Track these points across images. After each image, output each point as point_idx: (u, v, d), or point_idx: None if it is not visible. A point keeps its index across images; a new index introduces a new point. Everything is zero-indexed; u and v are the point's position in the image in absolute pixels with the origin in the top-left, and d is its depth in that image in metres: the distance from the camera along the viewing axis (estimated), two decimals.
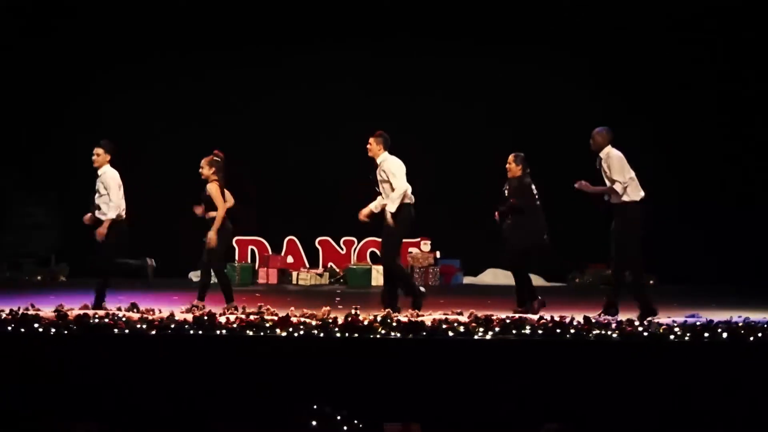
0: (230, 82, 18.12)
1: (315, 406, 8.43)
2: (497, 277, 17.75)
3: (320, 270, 17.99)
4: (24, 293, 12.37)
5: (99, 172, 11.90)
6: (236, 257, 18.07)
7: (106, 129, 17.16)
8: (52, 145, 17.58)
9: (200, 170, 11.86)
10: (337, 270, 17.92)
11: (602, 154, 11.32)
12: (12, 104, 17.63)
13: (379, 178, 11.65)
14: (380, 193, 11.72)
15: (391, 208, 11.42)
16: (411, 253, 17.94)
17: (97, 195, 11.86)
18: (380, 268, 17.65)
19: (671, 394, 8.84)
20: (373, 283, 17.48)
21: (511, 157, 12.17)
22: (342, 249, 18.45)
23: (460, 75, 17.96)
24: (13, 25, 17.52)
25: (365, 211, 11.90)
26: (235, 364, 9.07)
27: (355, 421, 8.37)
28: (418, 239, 17.87)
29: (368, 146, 11.74)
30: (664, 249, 17.07)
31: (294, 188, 17.91)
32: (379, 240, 18.05)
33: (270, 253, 18.14)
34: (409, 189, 11.63)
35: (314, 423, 8.36)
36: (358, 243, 18.40)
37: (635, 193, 11.21)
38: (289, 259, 18.05)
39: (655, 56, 17.66)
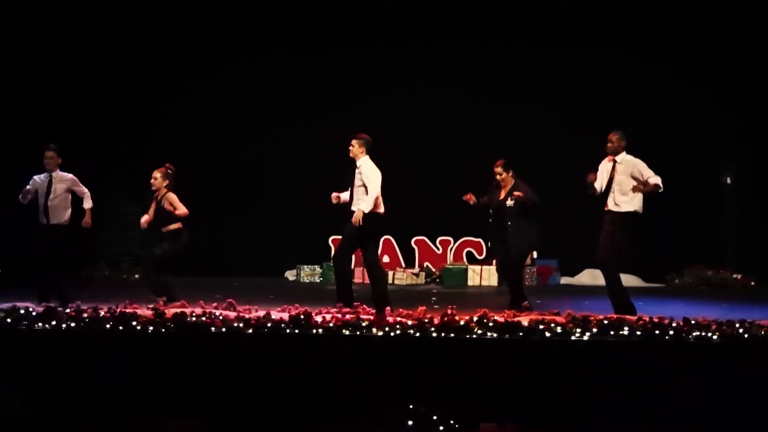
0: (336, 84, 18.38)
1: (411, 406, 8.43)
2: (595, 277, 17.56)
3: (416, 270, 17.99)
4: (122, 292, 12.53)
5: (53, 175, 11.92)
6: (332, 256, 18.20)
7: (200, 131, 17.49)
8: (152, 147, 17.88)
9: (152, 182, 11.81)
10: (434, 270, 17.91)
11: (618, 158, 11.30)
12: (117, 113, 18.13)
13: (355, 180, 11.54)
14: (353, 193, 11.61)
15: (365, 207, 11.31)
16: None
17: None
18: (476, 268, 17.69)
19: None
20: (470, 283, 17.45)
21: (498, 169, 12.09)
22: (438, 249, 18.43)
23: (554, 82, 17.87)
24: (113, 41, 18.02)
25: (334, 194, 11.87)
26: (331, 363, 9.10)
27: (451, 421, 8.35)
28: None
29: (350, 147, 11.61)
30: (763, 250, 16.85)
31: (390, 188, 17.92)
32: (476, 240, 18.22)
33: None
34: (381, 198, 11.57)
35: (410, 423, 8.36)
36: (455, 243, 18.40)
37: (639, 204, 11.23)
38: (385, 259, 18.01)
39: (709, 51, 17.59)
